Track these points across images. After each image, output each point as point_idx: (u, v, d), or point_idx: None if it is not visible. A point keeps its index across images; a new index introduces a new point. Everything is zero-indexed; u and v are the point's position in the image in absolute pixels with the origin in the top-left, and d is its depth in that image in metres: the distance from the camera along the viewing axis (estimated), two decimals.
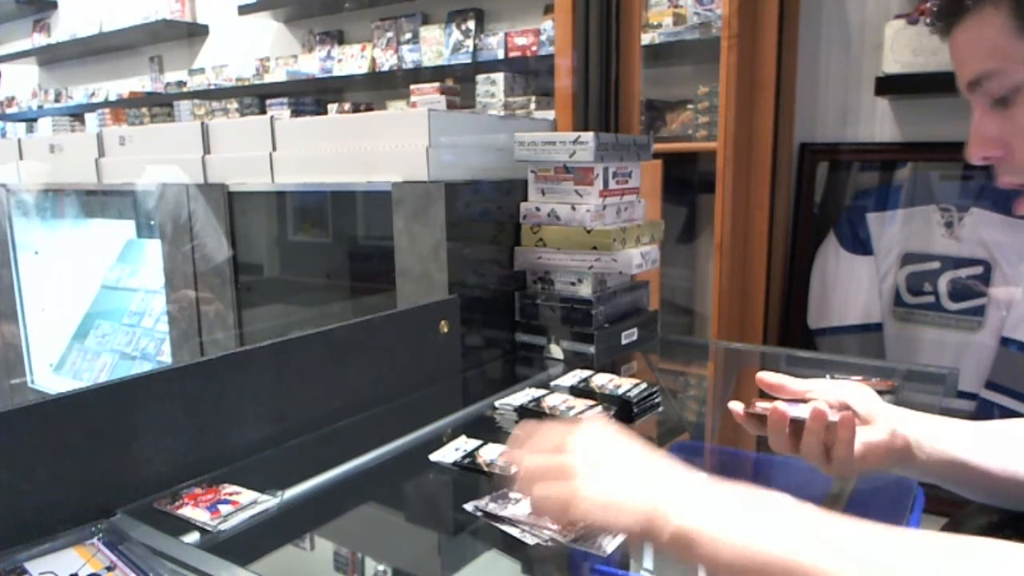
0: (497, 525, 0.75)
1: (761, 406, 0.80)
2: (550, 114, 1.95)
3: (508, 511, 0.75)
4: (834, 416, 0.74)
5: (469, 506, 0.78)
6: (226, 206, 1.65)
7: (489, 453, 0.91)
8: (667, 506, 0.56)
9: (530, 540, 0.72)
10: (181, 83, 4.73)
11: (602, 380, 1.16)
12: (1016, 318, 1.86)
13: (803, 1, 2.14)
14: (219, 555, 0.70)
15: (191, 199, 1.69)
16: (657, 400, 1.13)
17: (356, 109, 3.83)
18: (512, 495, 0.78)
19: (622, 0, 1.74)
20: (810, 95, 2.21)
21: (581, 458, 0.62)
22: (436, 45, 3.50)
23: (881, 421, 0.76)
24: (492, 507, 0.76)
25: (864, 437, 0.74)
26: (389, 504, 0.92)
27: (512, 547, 0.74)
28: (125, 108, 5.04)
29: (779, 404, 0.77)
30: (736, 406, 0.82)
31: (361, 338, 1.09)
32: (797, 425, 0.76)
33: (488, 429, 1.03)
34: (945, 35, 0.70)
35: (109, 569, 0.67)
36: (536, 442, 0.67)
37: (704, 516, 0.54)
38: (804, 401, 0.79)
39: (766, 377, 0.82)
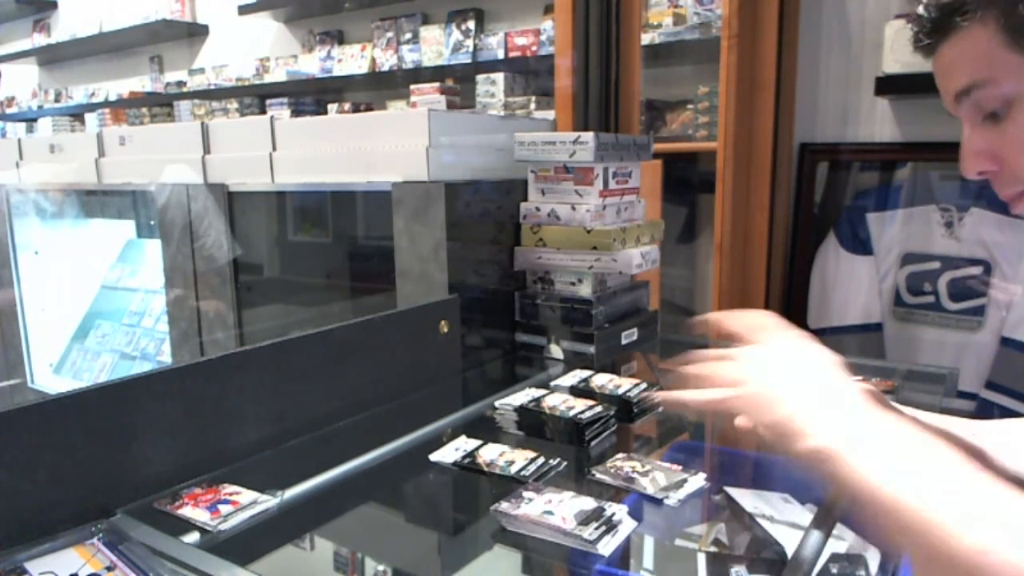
0: (516, 529, 0.74)
1: None
2: (550, 114, 1.95)
3: (522, 510, 0.75)
4: None
5: (498, 506, 0.77)
6: (226, 206, 1.65)
7: (489, 453, 0.91)
8: (835, 444, 0.58)
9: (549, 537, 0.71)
10: (181, 83, 4.73)
11: (602, 380, 1.16)
12: (1016, 318, 1.86)
13: (803, 1, 2.14)
14: (219, 555, 0.70)
15: (198, 199, 1.69)
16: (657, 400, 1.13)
17: (356, 109, 3.83)
18: (525, 495, 0.78)
19: (622, 0, 1.74)
20: (810, 95, 2.21)
21: (754, 361, 0.67)
22: (436, 45, 3.50)
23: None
24: (507, 507, 0.76)
25: None
26: (389, 504, 0.92)
27: (512, 547, 0.74)
28: (125, 108, 5.05)
29: None
30: None
31: (361, 338, 1.09)
32: None
33: (488, 429, 1.03)
34: (930, 53, 0.69)
35: (109, 569, 0.67)
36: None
37: (865, 445, 0.56)
38: None
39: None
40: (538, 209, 1.42)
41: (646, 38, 2.49)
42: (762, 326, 0.72)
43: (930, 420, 0.80)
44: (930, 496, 0.52)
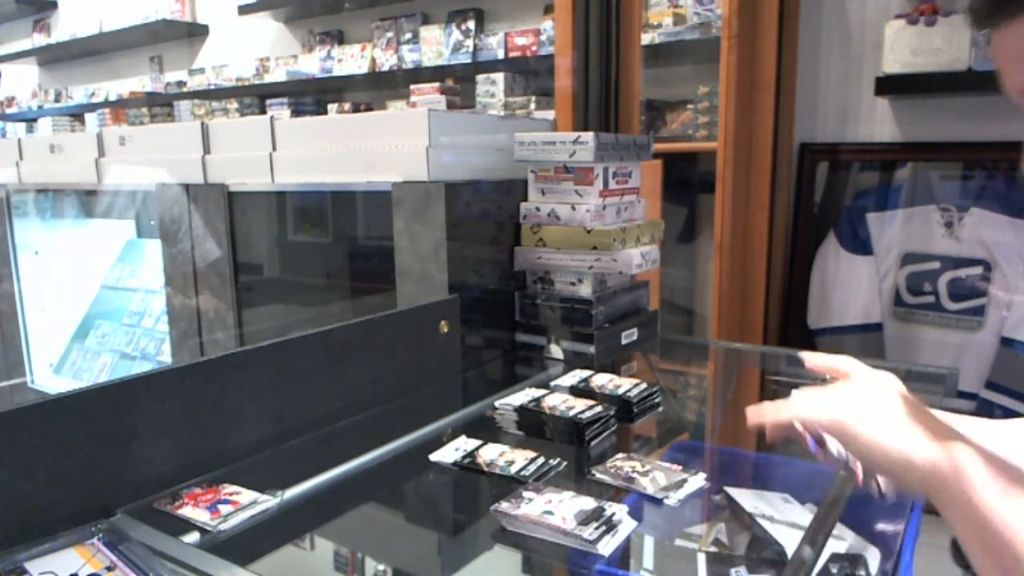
0: (516, 529, 0.74)
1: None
2: (550, 114, 1.95)
3: (522, 510, 0.75)
4: None
5: (498, 506, 0.77)
6: (226, 206, 1.65)
7: (489, 453, 0.91)
8: (939, 455, 0.60)
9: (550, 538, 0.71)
10: (181, 83, 4.73)
11: (602, 380, 1.16)
12: (1016, 318, 1.86)
13: (803, 1, 2.14)
14: (219, 555, 0.70)
15: (185, 200, 1.69)
16: (657, 400, 1.13)
17: (356, 109, 3.83)
18: (525, 495, 0.78)
19: (622, 0, 1.74)
20: (810, 95, 2.21)
21: (854, 394, 0.69)
22: (436, 45, 3.50)
23: None
24: (507, 507, 0.76)
25: None
26: (389, 504, 0.92)
27: (512, 547, 0.74)
28: (125, 108, 5.05)
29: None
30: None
31: (361, 338, 1.09)
32: None
33: (488, 429, 1.03)
34: (988, 26, 0.62)
35: (109, 569, 0.67)
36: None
37: (976, 467, 0.58)
38: None
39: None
40: (538, 209, 1.42)
41: (646, 38, 2.49)
42: (847, 369, 0.75)
43: (947, 420, 0.79)
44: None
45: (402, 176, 1.33)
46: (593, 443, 0.99)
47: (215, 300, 1.70)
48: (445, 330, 1.24)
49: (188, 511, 0.78)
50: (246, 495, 0.81)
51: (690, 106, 2.55)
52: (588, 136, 1.32)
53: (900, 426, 0.64)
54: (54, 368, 2.32)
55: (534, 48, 3.16)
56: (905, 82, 1.92)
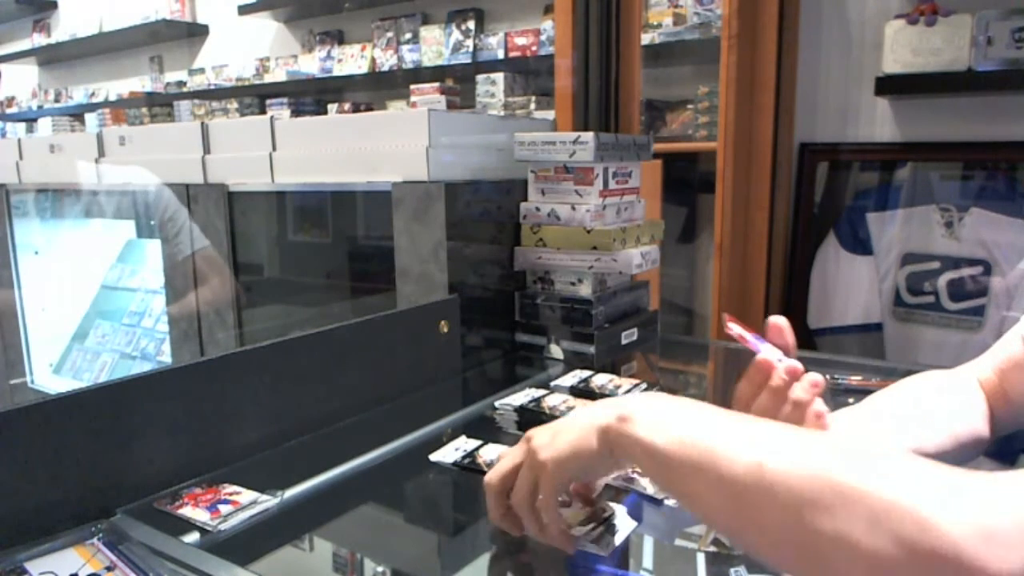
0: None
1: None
2: (550, 114, 1.95)
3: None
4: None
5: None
6: (226, 206, 1.65)
7: (489, 453, 0.91)
8: (608, 416, 0.61)
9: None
10: (181, 83, 4.73)
11: (602, 380, 1.16)
12: (1016, 318, 1.86)
13: (803, 1, 2.14)
14: (219, 555, 0.70)
15: (185, 200, 1.69)
16: None
17: (356, 109, 3.83)
18: None
19: (622, 0, 1.74)
20: (810, 95, 2.21)
21: (533, 442, 0.68)
22: (436, 45, 3.50)
23: None
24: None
25: None
26: (389, 504, 0.92)
27: (512, 547, 0.74)
28: (125, 108, 5.05)
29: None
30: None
31: (361, 338, 1.09)
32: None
33: (488, 429, 1.03)
34: None
35: (109, 569, 0.67)
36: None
37: (642, 411, 0.59)
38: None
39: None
40: (538, 209, 1.42)
41: (646, 38, 2.50)
42: None
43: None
44: (704, 436, 0.54)
45: (402, 176, 1.33)
46: None
47: (215, 301, 1.70)
48: (445, 330, 1.24)
49: (188, 511, 0.78)
50: (246, 495, 0.81)
51: (690, 106, 2.55)
52: (588, 136, 1.32)
53: (566, 435, 0.65)
54: (54, 368, 2.32)
55: (534, 48, 3.16)
56: (905, 82, 1.92)
